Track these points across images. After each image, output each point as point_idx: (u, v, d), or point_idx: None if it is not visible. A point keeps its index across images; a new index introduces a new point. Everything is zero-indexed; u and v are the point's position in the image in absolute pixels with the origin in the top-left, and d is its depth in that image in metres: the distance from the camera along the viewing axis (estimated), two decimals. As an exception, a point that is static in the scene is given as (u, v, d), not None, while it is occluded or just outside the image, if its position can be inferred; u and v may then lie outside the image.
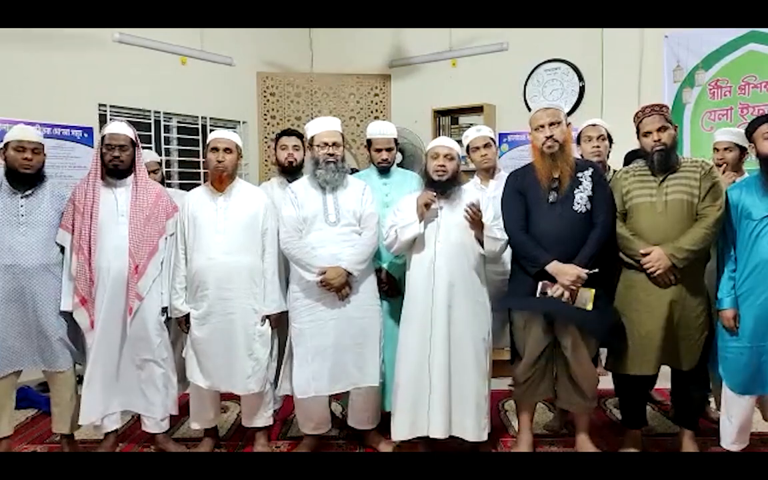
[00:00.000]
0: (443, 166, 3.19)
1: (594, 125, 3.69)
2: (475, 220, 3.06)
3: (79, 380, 3.43)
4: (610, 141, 3.73)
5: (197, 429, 3.48)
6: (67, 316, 3.27)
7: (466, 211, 3.05)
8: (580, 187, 3.03)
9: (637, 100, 5.12)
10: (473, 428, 3.13)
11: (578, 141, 3.70)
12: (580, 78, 5.56)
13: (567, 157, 3.07)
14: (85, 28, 4.64)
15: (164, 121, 5.56)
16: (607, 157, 3.72)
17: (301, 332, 3.27)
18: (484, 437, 3.19)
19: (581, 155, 3.63)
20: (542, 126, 3.05)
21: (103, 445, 3.43)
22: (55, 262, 3.28)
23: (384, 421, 3.51)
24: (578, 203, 3.02)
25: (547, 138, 3.03)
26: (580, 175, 3.05)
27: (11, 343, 3.19)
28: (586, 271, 2.94)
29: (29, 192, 3.24)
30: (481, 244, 3.13)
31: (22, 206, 3.22)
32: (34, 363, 3.28)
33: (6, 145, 3.22)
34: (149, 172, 3.70)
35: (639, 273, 3.04)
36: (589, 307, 2.94)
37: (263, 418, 3.42)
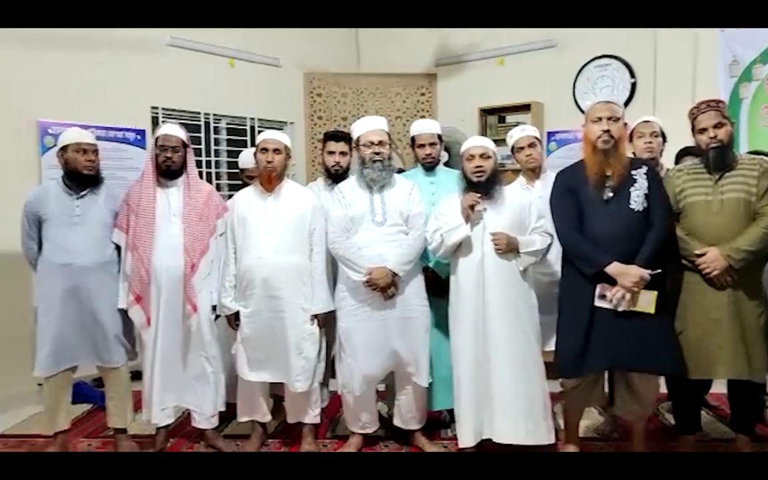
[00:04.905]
0: (480, 166, 3.15)
1: (647, 122, 3.59)
2: (503, 247, 3.05)
3: (133, 376, 3.52)
4: (664, 138, 3.63)
5: (245, 421, 3.52)
6: (121, 312, 3.36)
7: (494, 243, 3.06)
8: (635, 184, 2.92)
9: (692, 96, 4.96)
10: (545, 431, 3.08)
11: (630, 138, 3.61)
12: (632, 74, 5.43)
13: (620, 155, 2.97)
14: (139, 33, 4.75)
15: (213, 122, 5.65)
16: (660, 154, 3.62)
17: (349, 331, 3.29)
18: (552, 439, 3.14)
19: (633, 153, 3.54)
20: (600, 119, 2.94)
21: (155, 440, 3.51)
22: (110, 260, 3.37)
23: (430, 422, 3.51)
24: (635, 201, 2.90)
25: (604, 132, 2.92)
26: (634, 172, 2.95)
27: (68, 339, 3.29)
28: (649, 271, 2.84)
29: (84, 193, 3.34)
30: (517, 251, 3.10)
31: (77, 207, 3.31)
32: (90, 359, 3.37)
33: (64, 147, 3.32)
34: (255, 176, 3.77)
35: (694, 274, 2.95)
36: (652, 310, 2.83)
37: (310, 416, 3.44)
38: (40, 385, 3.60)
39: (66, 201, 3.32)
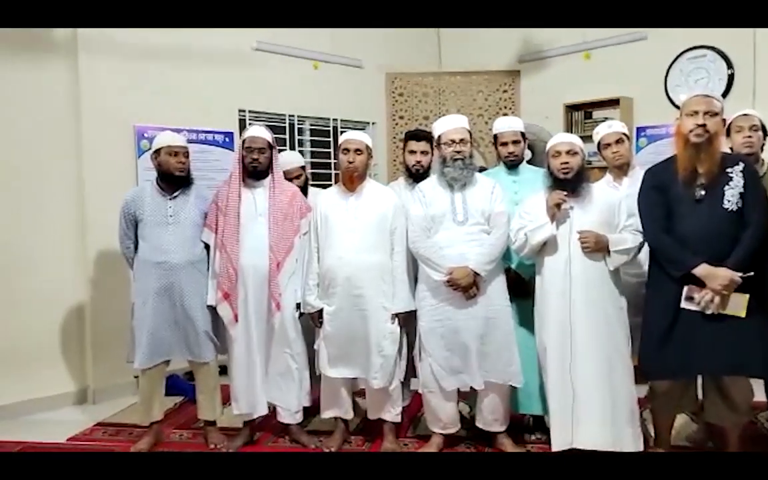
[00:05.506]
0: (567, 162, 3.08)
1: (746, 115, 3.38)
2: (591, 245, 2.97)
3: (221, 370, 3.64)
4: (765, 132, 3.42)
5: (328, 417, 3.57)
6: (210, 309, 3.48)
7: (582, 242, 2.98)
8: (730, 183, 2.77)
9: (796, 86, 4.66)
10: (630, 438, 2.99)
11: (728, 133, 3.41)
12: (729, 65, 5.13)
13: (713, 151, 2.81)
14: (227, 39, 4.94)
15: (298, 124, 5.77)
16: (761, 149, 3.40)
17: (429, 331, 3.28)
18: (640, 447, 3.04)
19: (731, 148, 3.35)
20: (696, 112, 2.79)
21: (241, 433, 3.61)
22: (200, 258, 3.50)
23: (513, 424, 3.45)
24: (729, 200, 2.75)
25: (698, 126, 2.77)
26: (729, 170, 2.79)
27: (162, 334, 3.45)
28: (740, 274, 2.69)
29: (176, 194, 3.48)
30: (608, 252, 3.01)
31: (170, 207, 3.46)
32: (181, 353, 3.52)
33: (157, 150, 3.48)
34: (292, 177, 3.83)
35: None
36: (742, 313, 2.70)
37: (390, 413, 3.45)
38: (136, 377, 3.78)
39: (160, 202, 3.47)
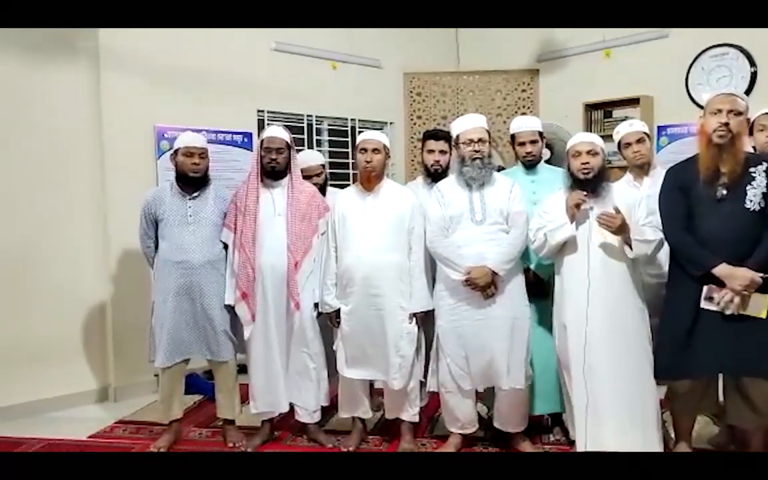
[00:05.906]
0: (587, 163, 3.06)
1: (769, 113, 3.34)
2: (614, 227, 2.91)
3: (240, 369, 3.66)
4: (789, 131, 3.36)
5: (346, 417, 3.58)
6: (229, 309, 3.50)
7: (599, 221, 2.92)
8: (752, 183, 2.73)
9: (821, 84, 4.58)
10: (652, 440, 2.96)
11: (750, 132, 3.37)
12: (752, 63, 5.06)
13: (736, 151, 2.78)
14: (246, 40, 4.98)
15: (316, 124, 5.79)
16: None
17: (447, 331, 3.27)
18: (662, 449, 3.01)
19: (754, 147, 3.31)
20: (720, 110, 2.76)
21: (260, 431, 3.63)
22: (219, 258, 3.52)
23: (532, 425, 3.43)
24: (751, 200, 2.72)
25: (722, 125, 2.74)
26: (752, 170, 2.75)
27: (181, 333, 3.47)
28: (761, 275, 2.66)
29: (196, 194, 3.51)
30: (629, 246, 2.96)
31: (189, 207, 3.49)
32: (200, 352, 3.55)
33: (176, 151, 3.50)
34: (312, 176, 3.83)
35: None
36: (763, 314, 2.67)
37: (408, 413, 3.45)
38: (156, 375, 3.81)
39: (179, 202, 3.50)
